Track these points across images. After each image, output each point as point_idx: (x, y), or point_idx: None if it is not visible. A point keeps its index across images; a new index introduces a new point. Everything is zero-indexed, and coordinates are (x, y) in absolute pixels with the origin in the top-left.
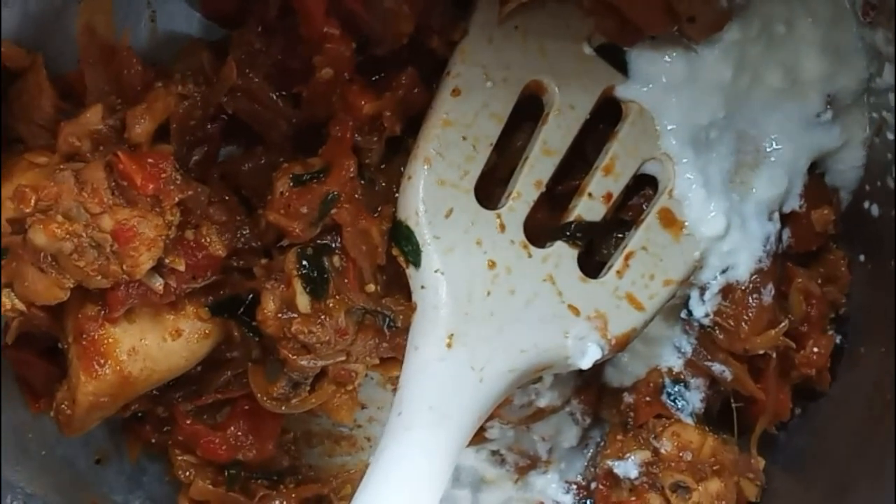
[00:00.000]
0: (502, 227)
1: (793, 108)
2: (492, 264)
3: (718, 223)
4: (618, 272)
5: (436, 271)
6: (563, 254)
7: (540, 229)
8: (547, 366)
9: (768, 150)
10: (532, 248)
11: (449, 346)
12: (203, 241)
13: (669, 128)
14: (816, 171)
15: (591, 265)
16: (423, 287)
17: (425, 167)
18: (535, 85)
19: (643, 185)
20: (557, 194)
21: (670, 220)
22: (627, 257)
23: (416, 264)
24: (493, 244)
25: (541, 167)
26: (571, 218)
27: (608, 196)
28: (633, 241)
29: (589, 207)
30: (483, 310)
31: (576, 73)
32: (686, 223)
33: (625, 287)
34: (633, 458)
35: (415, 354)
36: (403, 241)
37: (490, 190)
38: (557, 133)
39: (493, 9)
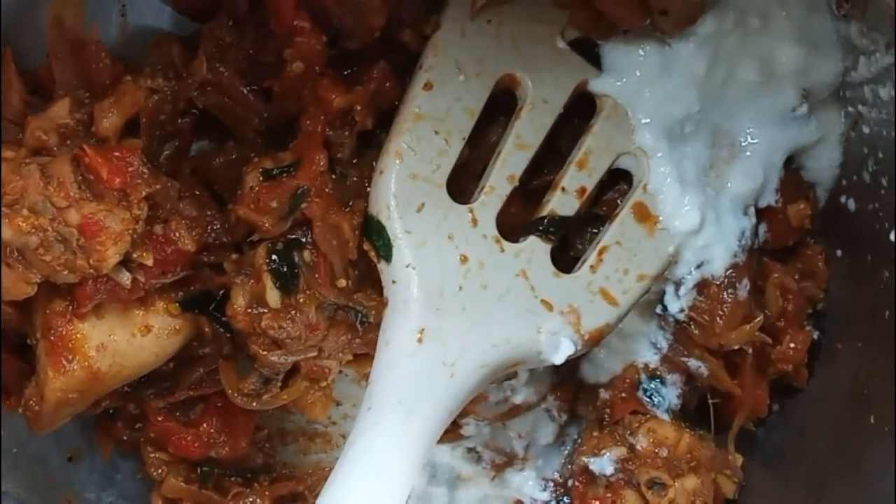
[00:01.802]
0: (475, 221)
1: (768, 102)
2: (464, 259)
3: (693, 217)
4: (591, 267)
5: (407, 266)
6: (536, 248)
7: (513, 224)
8: (520, 361)
9: (743, 144)
10: (505, 243)
11: (420, 341)
12: (172, 235)
13: (644, 122)
14: (793, 165)
15: (565, 260)
16: (394, 282)
17: (397, 161)
18: (508, 79)
19: (617, 180)
20: (531, 189)
21: (644, 215)
22: (601, 252)
23: (388, 259)
24: (465, 239)
25: (514, 161)
26: (545, 213)
27: (582, 190)
28: (607, 236)
29: (562, 202)
30: (455, 305)
31: (549, 67)
32: (660, 217)
33: (598, 282)
34: (608, 454)
35: (385, 349)
36: (375, 236)
37: (463, 185)
38: (530, 127)
39: (465, 3)
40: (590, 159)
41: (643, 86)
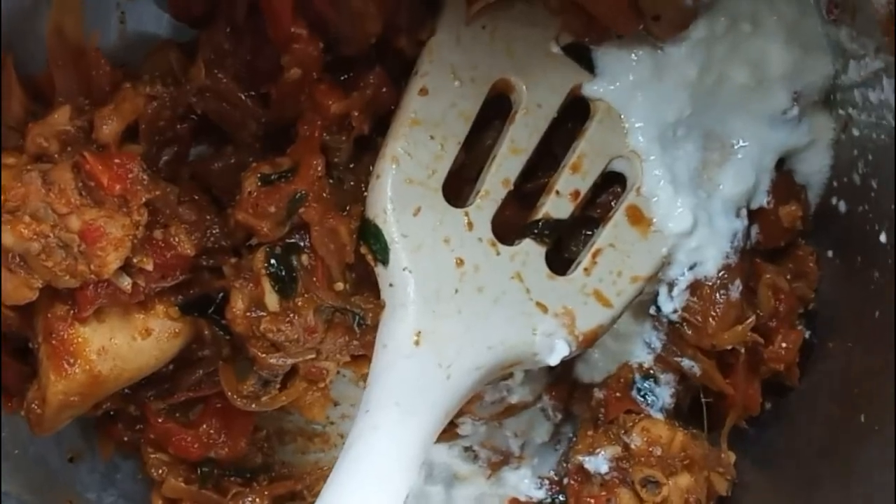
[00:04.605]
0: (470, 225)
1: (759, 105)
2: (459, 262)
3: (685, 219)
4: (585, 269)
5: (404, 269)
6: (530, 251)
7: (508, 227)
8: (515, 362)
9: (735, 147)
10: (500, 246)
11: (417, 343)
12: (172, 240)
13: (637, 125)
14: (784, 168)
15: (560, 262)
16: (391, 285)
17: (393, 166)
18: (502, 84)
19: (611, 183)
20: (526, 192)
21: (638, 218)
22: (595, 254)
23: (385, 262)
24: (461, 242)
25: (508, 166)
26: (539, 216)
27: (576, 193)
28: (601, 239)
29: (557, 205)
30: (451, 307)
31: (543, 71)
32: (653, 220)
33: (592, 284)
34: (603, 453)
35: (383, 352)
36: (372, 240)
37: (459, 188)
38: (525, 132)
39: (460, 9)
40: (583, 163)
41: (636, 90)
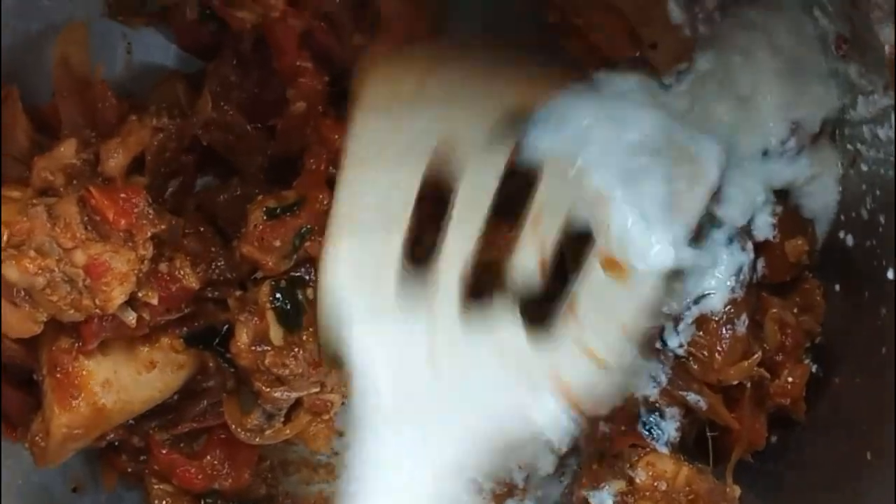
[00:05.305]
0: (435, 316)
1: (750, 137)
2: (430, 361)
3: (664, 255)
4: (568, 328)
5: (367, 354)
6: (504, 318)
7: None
8: (518, 446)
9: (726, 177)
10: (471, 325)
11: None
12: (177, 273)
13: (591, 167)
14: (792, 202)
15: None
16: (355, 373)
17: (344, 244)
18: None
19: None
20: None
21: (612, 263)
22: (575, 310)
23: (342, 367)
24: (428, 316)
25: (463, 234)
26: (508, 281)
27: (543, 262)
28: (578, 292)
29: (523, 266)
30: (427, 389)
31: (481, 140)
32: (629, 262)
33: (583, 341)
34: (608, 487)
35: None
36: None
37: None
38: (472, 199)
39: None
40: (543, 218)
41: (588, 132)
